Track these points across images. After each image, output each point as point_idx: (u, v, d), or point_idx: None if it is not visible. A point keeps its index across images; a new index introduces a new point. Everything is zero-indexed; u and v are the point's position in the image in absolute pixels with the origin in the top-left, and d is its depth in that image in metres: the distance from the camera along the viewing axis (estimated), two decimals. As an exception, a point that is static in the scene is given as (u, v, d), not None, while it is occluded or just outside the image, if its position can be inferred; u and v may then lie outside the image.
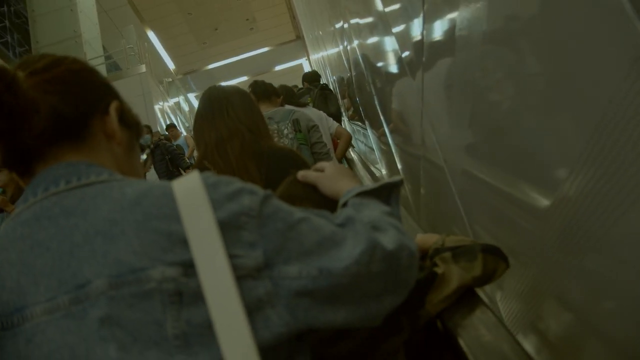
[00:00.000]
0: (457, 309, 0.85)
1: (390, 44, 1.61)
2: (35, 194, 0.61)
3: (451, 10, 0.94)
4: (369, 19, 1.98)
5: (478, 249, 0.91)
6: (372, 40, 1.93)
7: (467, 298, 0.87)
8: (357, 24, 2.27)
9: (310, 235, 0.58)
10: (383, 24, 1.68)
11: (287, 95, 3.18)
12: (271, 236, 0.56)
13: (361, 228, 0.60)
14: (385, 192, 0.75)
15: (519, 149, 0.80)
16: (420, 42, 1.16)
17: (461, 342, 0.76)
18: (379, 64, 1.95)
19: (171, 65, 13.34)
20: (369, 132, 3.16)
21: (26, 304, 0.55)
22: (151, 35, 11.62)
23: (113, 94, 0.71)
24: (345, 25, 2.84)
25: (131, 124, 0.73)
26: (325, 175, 0.84)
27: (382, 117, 2.24)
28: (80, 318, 0.53)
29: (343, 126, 3.55)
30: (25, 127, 0.60)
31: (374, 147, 3.10)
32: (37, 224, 0.58)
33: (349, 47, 3.06)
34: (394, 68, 1.62)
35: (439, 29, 1.04)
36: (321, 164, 0.87)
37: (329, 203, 0.84)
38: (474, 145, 0.98)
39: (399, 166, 2.10)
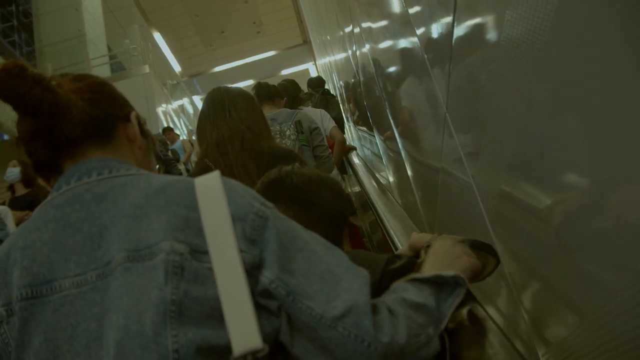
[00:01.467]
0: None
1: (409, 47, 1.48)
2: (68, 182, 0.66)
3: (484, 12, 0.83)
4: (384, 22, 1.86)
5: (467, 244, 0.89)
6: (387, 43, 1.79)
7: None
8: (370, 27, 2.14)
9: (306, 262, 0.62)
10: (402, 27, 1.55)
11: (290, 100, 3.10)
12: (271, 240, 0.61)
13: (359, 296, 0.61)
14: (448, 289, 0.74)
15: (578, 167, 0.65)
16: (448, 45, 1.02)
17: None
18: (394, 68, 1.81)
19: (177, 68, 13.28)
20: (377, 138, 3.02)
21: (55, 278, 0.59)
22: (157, 37, 11.56)
23: (131, 106, 0.79)
24: (356, 30, 2.72)
25: (146, 133, 0.80)
26: (428, 255, 0.83)
27: (392, 124, 2.10)
28: (104, 291, 0.58)
29: (348, 131, 3.57)
30: (62, 124, 0.66)
31: (382, 153, 2.97)
32: (69, 207, 0.64)
33: (358, 52, 2.94)
34: (411, 72, 1.49)
35: (471, 31, 0.91)
36: (433, 244, 0.85)
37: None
38: (512, 162, 0.84)
39: (409, 174, 1.96)
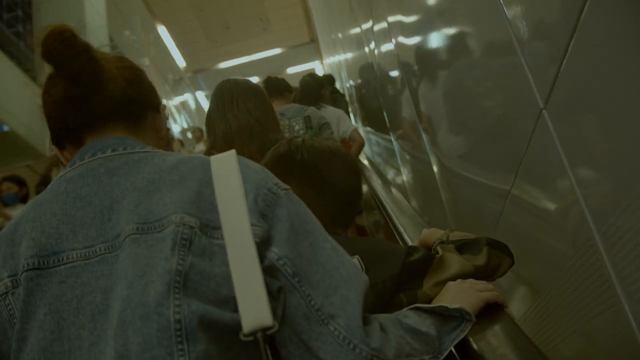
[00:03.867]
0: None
1: (453, 42, 1.22)
2: (82, 158, 0.67)
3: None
4: (419, 16, 1.61)
5: (484, 242, 0.88)
6: (426, 38, 1.53)
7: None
8: (399, 22, 1.88)
9: (312, 250, 0.62)
10: (442, 22, 1.30)
11: (305, 95, 3.21)
12: (282, 218, 0.62)
13: (350, 306, 0.60)
14: (454, 323, 0.72)
15: None
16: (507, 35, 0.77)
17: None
18: (429, 66, 1.55)
19: (182, 63, 13.07)
20: (395, 145, 2.77)
21: (63, 249, 0.59)
22: (162, 30, 11.35)
23: (160, 98, 0.79)
24: (378, 26, 2.47)
25: (167, 127, 0.80)
26: (444, 292, 0.82)
27: (420, 126, 1.84)
28: (112, 264, 0.58)
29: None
30: (97, 96, 0.68)
31: (398, 154, 2.72)
32: (82, 180, 0.64)
33: (377, 50, 2.70)
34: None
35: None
36: (449, 283, 0.82)
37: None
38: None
39: (444, 198, 1.69)
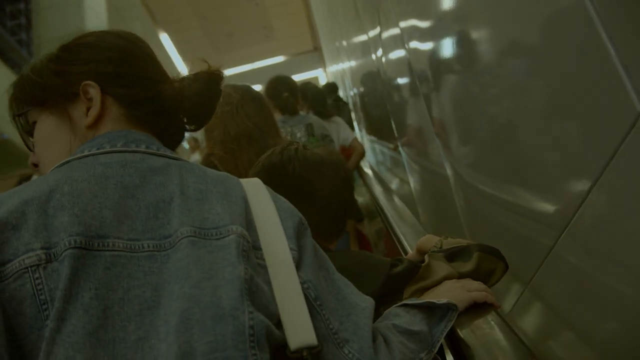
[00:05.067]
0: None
1: (478, 46, 1.09)
2: (114, 145, 0.67)
3: None
4: (432, 22, 1.48)
5: (475, 248, 0.89)
6: (445, 44, 1.40)
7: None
8: (413, 28, 1.75)
9: (326, 280, 0.69)
10: (463, 25, 1.16)
11: (316, 102, 3.24)
12: (308, 246, 0.68)
13: (360, 327, 0.67)
14: (440, 313, 0.78)
15: None
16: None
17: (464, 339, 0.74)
18: (446, 73, 1.42)
19: (184, 71, 13.00)
20: (404, 158, 2.63)
21: (108, 235, 0.57)
22: (165, 38, 11.28)
23: None
24: (387, 32, 2.34)
25: None
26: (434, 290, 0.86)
27: (437, 138, 1.70)
28: (163, 262, 0.58)
29: (359, 139, 3.77)
30: (173, 110, 0.76)
31: (405, 164, 2.58)
32: (122, 169, 0.63)
33: (385, 57, 2.58)
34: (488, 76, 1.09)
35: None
36: (444, 282, 0.87)
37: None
38: None
39: (462, 212, 1.55)
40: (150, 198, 0.62)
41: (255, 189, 0.70)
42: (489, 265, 0.87)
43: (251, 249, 0.62)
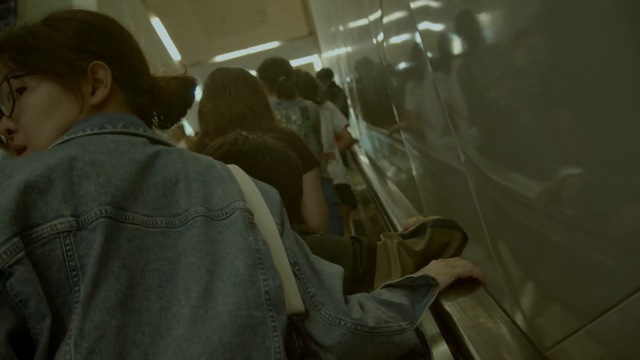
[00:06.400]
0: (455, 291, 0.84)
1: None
2: (115, 126, 0.70)
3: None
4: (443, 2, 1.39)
5: (429, 224, 0.95)
6: (460, 25, 1.30)
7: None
8: (425, 8, 1.65)
9: (301, 250, 0.77)
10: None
11: (307, 88, 3.20)
12: (285, 220, 0.76)
13: (334, 293, 0.75)
14: (423, 290, 0.85)
15: None
16: None
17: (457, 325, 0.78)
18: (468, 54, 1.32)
19: (177, 56, 12.82)
20: (407, 146, 2.55)
21: (128, 208, 0.60)
22: (157, 22, 11.08)
23: None
24: (389, 17, 2.24)
25: None
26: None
27: (452, 127, 1.61)
28: (176, 238, 0.62)
29: (356, 127, 3.98)
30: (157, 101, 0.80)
31: (410, 154, 2.49)
32: (133, 148, 0.66)
33: (387, 42, 2.48)
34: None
35: None
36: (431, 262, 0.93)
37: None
38: None
39: (480, 209, 1.46)
40: (157, 177, 0.65)
41: (238, 172, 0.76)
42: (443, 238, 0.91)
43: (254, 220, 0.67)
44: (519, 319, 1.11)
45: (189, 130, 6.37)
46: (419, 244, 0.92)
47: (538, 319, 1.11)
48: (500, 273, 1.25)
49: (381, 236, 0.95)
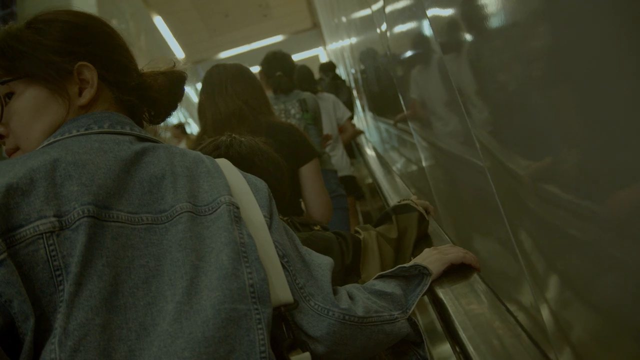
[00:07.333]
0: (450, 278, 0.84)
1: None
2: (101, 126, 0.70)
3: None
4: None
5: (391, 212, 1.02)
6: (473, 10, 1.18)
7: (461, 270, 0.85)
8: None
9: (290, 242, 0.78)
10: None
11: (304, 80, 3.18)
12: (274, 212, 0.76)
13: (322, 279, 0.77)
14: (416, 280, 0.86)
15: None
16: None
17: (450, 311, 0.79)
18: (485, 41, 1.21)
19: (180, 54, 12.79)
20: (416, 138, 2.43)
21: (112, 206, 0.61)
22: (159, 20, 11.03)
23: None
24: (392, 5, 2.13)
25: None
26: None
27: (468, 120, 1.50)
28: (162, 234, 0.62)
29: (363, 119, 3.97)
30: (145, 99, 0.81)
31: (419, 146, 2.39)
32: (117, 146, 0.67)
33: (390, 33, 2.37)
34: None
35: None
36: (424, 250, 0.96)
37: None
38: None
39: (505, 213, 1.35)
40: (143, 175, 0.65)
41: (227, 166, 0.77)
42: (406, 222, 0.96)
43: (240, 214, 0.68)
44: (544, 312, 1.02)
45: (194, 129, 6.29)
46: (392, 231, 0.98)
47: (564, 312, 1.01)
48: (522, 262, 1.15)
49: (357, 229, 0.99)
